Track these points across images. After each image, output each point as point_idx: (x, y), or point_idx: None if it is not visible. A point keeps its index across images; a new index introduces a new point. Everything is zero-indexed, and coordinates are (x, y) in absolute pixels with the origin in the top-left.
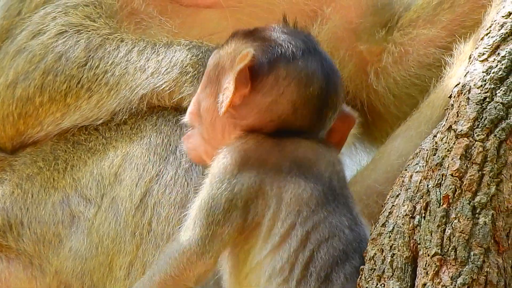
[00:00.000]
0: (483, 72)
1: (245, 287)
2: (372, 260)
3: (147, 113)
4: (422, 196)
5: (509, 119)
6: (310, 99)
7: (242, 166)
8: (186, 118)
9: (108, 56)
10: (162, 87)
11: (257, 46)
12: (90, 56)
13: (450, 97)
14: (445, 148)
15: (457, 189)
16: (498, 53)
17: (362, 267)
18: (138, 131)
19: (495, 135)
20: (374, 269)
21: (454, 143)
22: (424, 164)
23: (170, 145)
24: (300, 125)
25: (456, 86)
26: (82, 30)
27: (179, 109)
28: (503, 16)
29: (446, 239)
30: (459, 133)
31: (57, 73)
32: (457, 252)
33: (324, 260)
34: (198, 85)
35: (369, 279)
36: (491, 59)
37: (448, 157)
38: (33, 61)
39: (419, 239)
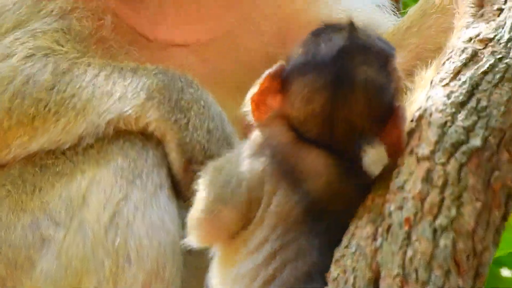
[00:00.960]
0: (444, 96)
1: (224, 277)
2: (335, 281)
3: (113, 136)
4: (384, 218)
5: (470, 143)
6: (311, 116)
7: (260, 149)
8: None
9: (75, 80)
10: (128, 112)
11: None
12: (57, 80)
13: (412, 121)
14: (407, 172)
15: (418, 212)
16: (459, 78)
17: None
18: (105, 154)
19: (456, 159)
20: None
21: (416, 166)
22: (386, 187)
23: (137, 168)
24: (315, 138)
25: (417, 110)
26: (50, 53)
27: (146, 133)
28: (464, 41)
29: (408, 261)
30: (421, 156)
31: (25, 96)
32: (418, 273)
33: (285, 280)
34: (164, 110)
35: None
36: (452, 83)
37: (410, 180)
38: (2, 83)
39: (381, 260)
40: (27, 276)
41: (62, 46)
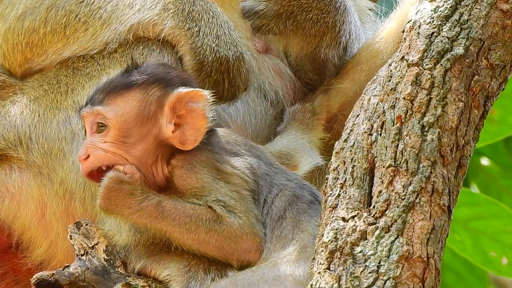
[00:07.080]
0: (431, 10)
1: None
2: (335, 171)
3: (134, 43)
4: (379, 116)
5: (453, 51)
6: None
7: None
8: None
9: None
10: (147, 20)
11: None
12: None
13: (403, 31)
14: (399, 75)
15: (409, 111)
16: None
17: (326, 176)
18: (127, 58)
19: (441, 65)
20: (337, 178)
21: (406, 71)
22: (381, 89)
23: None
24: None
25: (408, 22)
26: None
27: (160, 40)
28: None
29: (399, 153)
30: (411, 62)
31: (58, 8)
32: (408, 164)
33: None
34: (178, 19)
35: (333, 187)
36: None
37: (401, 83)
38: None
39: (376, 153)
40: (60, 166)
41: None
